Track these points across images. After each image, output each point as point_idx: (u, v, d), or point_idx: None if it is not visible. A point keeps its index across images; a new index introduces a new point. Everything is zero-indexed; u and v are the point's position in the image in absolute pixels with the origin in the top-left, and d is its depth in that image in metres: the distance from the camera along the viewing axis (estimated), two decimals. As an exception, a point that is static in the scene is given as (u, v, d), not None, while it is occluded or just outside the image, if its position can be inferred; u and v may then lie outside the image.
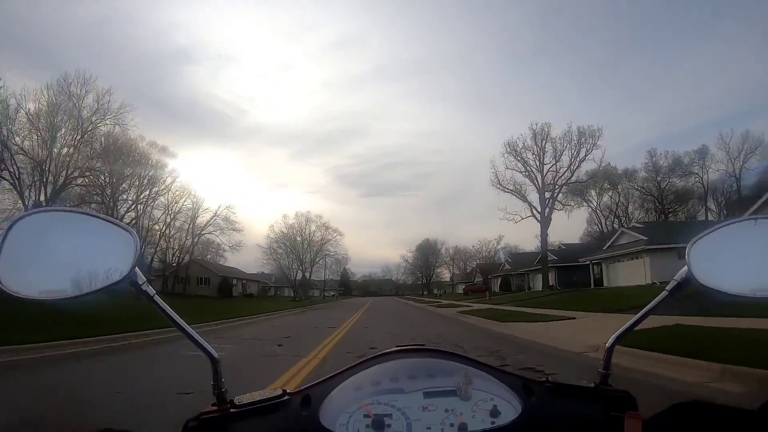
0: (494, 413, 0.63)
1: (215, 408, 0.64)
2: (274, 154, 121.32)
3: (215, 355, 0.66)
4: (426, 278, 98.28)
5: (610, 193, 57.11)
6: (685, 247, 0.66)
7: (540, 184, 42.09)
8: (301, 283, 63.85)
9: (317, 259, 65.71)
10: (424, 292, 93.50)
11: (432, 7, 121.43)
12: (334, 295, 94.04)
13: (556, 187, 42.22)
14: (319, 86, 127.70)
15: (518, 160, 42.81)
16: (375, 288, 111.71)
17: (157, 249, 44.02)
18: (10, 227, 0.59)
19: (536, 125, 42.60)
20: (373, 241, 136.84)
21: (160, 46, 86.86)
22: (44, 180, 30.09)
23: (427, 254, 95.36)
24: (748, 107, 70.30)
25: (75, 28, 63.20)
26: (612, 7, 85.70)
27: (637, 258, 29.15)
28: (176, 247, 46.48)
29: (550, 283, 40.26)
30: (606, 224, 60.20)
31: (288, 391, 0.67)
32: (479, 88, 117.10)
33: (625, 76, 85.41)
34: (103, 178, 36.02)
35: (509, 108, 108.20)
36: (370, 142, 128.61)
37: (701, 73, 73.28)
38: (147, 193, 40.24)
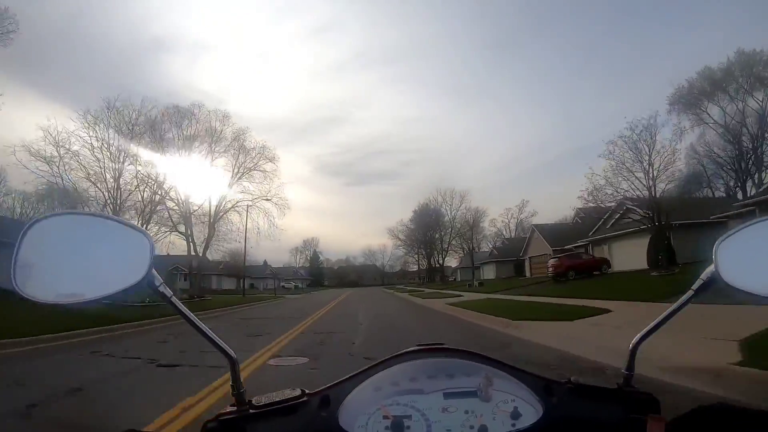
0: (515, 415, 0.62)
1: (234, 409, 0.64)
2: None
3: (234, 355, 0.65)
4: (433, 260, 67.35)
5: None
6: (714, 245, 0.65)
7: None
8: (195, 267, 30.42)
9: (220, 214, 29.59)
10: (423, 280, 66.44)
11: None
12: (296, 287, 65.97)
13: None
14: (299, 75, 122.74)
15: None
16: (354, 276, 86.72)
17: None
18: (24, 231, 0.58)
19: None
20: (360, 231, 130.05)
21: (135, 39, 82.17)
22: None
23: (433, 225, 64.48)
24: None
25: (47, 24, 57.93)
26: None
27: None
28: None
29: None
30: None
31: (307, 391, 0.67)
32: (457, 73, 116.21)
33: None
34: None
35: (487, 94, 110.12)
36: (352, 130, 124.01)
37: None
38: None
